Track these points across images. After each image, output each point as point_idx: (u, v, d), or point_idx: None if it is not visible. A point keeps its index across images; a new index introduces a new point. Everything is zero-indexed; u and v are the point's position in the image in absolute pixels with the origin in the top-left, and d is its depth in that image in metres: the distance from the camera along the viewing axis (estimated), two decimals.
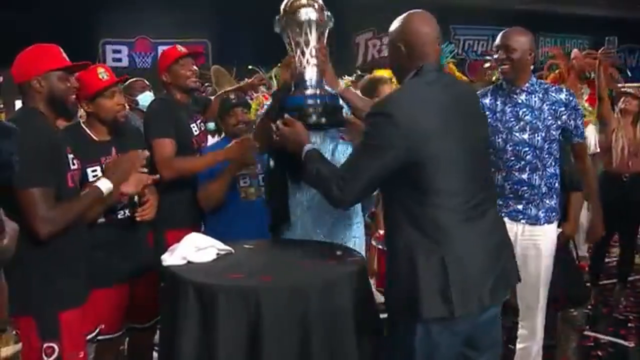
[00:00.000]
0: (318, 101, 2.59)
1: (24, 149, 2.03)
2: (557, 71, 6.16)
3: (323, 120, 2.59)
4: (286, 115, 2.50)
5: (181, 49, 3.40)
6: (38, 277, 2.33)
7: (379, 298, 4.61)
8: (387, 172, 2.06)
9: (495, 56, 3.02)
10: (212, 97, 4.26)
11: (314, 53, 2.59)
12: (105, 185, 2.44)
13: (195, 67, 3.37)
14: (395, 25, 2.21)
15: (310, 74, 2.61)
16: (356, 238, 2.97)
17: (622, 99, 4.89)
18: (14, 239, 1.92)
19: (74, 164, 2.50)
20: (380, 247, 4.18)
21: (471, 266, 2.05)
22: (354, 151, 2.18)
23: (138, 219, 2.80)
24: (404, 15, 2.21)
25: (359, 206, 3.00)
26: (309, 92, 2.60)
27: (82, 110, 2.95)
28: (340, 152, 2.90)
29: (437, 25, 2.20)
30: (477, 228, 2.10)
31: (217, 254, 2.47)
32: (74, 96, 2.49)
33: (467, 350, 2.19)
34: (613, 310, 4.81)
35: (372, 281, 3.18)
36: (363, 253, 3.00)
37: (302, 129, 2.45)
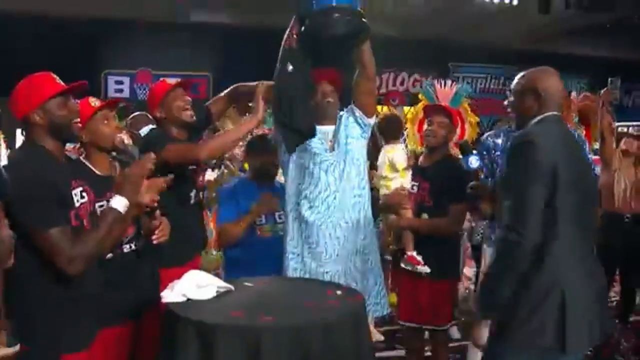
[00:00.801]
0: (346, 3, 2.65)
1: (30, 191, 2.02)
2: None
3: (348, 21, 2.65)
4: None
5: (170, 81, 3.28)
6: (43, 319, 2.24)
7: (377, 337, 4.60)
8: (546, 196, 2.12)
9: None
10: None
11: None
12: (119, 203, 2.29)
13: (187, 98, 3.22)
14: (534, 74, 2.42)
15: None
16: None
17: (623, 140, 4.91)
18: (9, 247, 1.89)
19: (82, 197, 2.38)
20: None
21: (584, 305, 2.13)
22: (510, 193, 2.21)
23: (155, 242, 2.69)
24: (543, 69, 2.46)
25: (370, 217, 3.04)
26: None
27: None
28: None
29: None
30: (587, 271, 2.20)
31: (217, 291, 2.44)
32: (77, 119, 2.37)
33: None
34: (614, 351, 4.75)
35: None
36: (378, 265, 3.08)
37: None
